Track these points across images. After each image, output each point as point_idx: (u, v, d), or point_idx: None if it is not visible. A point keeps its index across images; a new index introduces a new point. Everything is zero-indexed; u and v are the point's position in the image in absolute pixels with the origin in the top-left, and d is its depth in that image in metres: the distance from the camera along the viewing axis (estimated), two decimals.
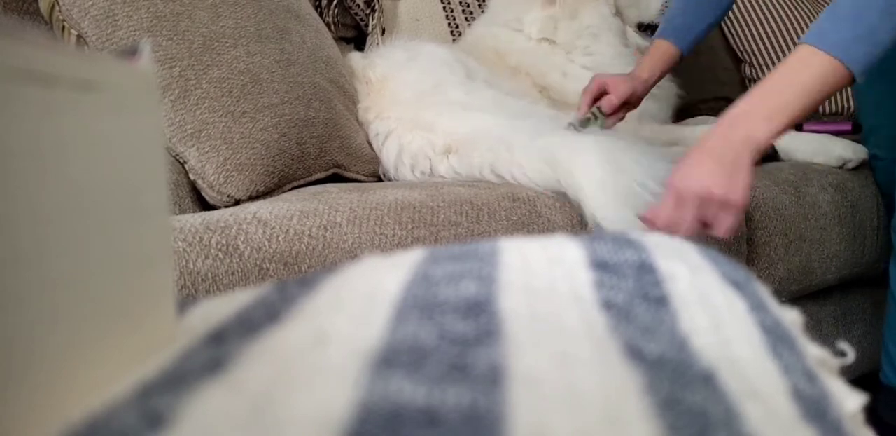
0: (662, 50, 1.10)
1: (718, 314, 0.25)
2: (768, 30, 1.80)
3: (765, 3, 1.82)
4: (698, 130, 1.24)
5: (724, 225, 0.71)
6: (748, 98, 0.74)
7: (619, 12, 1.28)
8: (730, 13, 1.82)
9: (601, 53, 1.23)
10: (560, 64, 1.22)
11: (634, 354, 0.21)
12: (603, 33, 1.23)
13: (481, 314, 0.23)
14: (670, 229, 0.72)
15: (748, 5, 1.82)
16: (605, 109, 1.06)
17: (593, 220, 0.78)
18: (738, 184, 0.70)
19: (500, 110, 0.98)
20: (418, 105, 1.01)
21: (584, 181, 0.79)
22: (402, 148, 0.98)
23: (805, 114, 0.72)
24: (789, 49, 1.77)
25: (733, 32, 1.83)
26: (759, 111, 0.72)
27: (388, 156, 0.99)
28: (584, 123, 1.05)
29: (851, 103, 1.71)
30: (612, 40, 1.23)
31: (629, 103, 1.08)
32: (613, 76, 1.08)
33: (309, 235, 0.69)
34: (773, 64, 1.78)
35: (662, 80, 1.26)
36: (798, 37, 1.79)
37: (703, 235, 0.75)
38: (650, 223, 0.74)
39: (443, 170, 0.96)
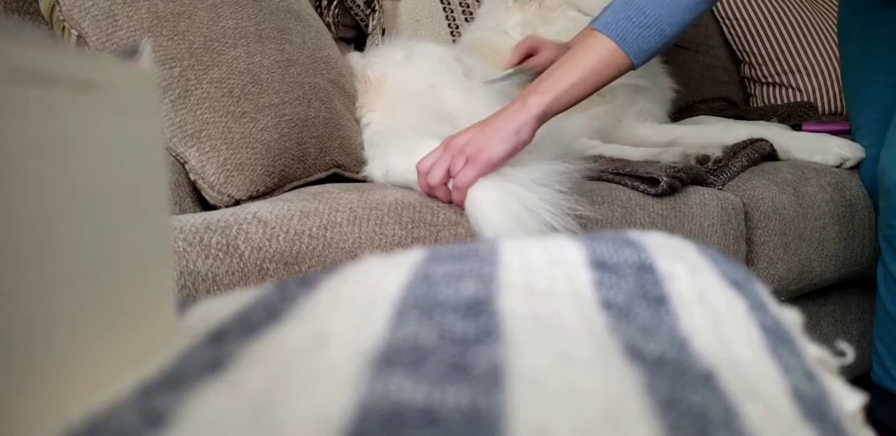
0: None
1: (718, 314, 0.25)
2: (768, 30, 1.80)
3: (764, 3, 1.82)
4: (696, 129, 1.24)
5: (463, 178, 0.75)
6: (535, 81, 0.82)
7: (588, 15, 1.28)
8: (729, 13, 1.82)
9: None
10: None
11: (634, 354, 0.21)
12: None
13: (481, 314, 0.23)
14: (425, 176, 0.78)
15: (748, 5, 1.82)
16: (529, 67, 1.10)
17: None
18: (494, 145, 0.76)
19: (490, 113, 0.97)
20: (403, 100, 1.01)
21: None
22: (371, 140, 0.96)
23: (578, 88, 0.80)
24: (789, 49, 1.78)
25: (733, 32, 1.83)
26: (538, 87, 0.80)
27: (366, 147, 0.98)
28: (505, 77, 1.09)
29: None
30: None
31: None
32: (548, 41, 1.13)
33: (309, 235, 0.69)
34: (773, 64, 1.78)
35: (658, 77, 1.26)
36: (798, 37, 1.79)
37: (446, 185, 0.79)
38: (419, 172, 0.79)
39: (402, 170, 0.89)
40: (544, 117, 0.79)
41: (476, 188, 0.76)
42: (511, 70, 1.11)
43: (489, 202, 0.75)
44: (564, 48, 1.09)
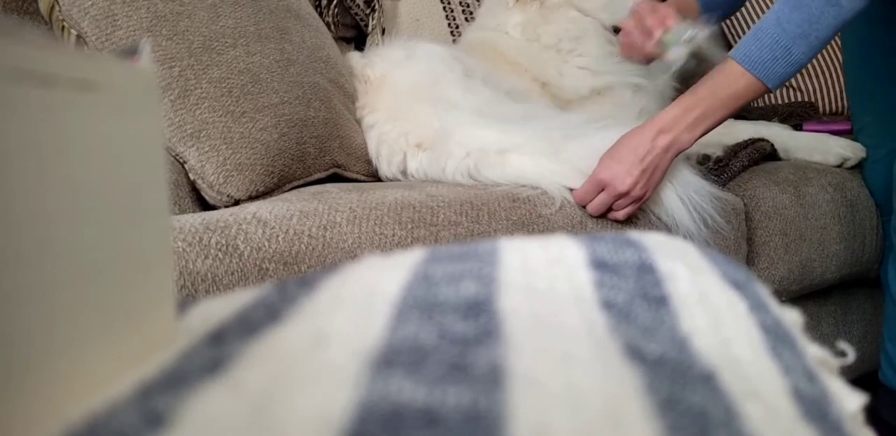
0: (684, 2, 1.11)
1: (719, 314, 0.25)
2: None
3: (764, 3, 1.82)
4: None
5: (626, 212, 0.86)
6: (675, 107, 0.86)
7: (588, 15, 1.27)
8: None
9: (589, 54, 1.22)
10: (555, 63, 1.22)
11: (634, 354, 0.21)
12: (584, 35, 1.22)
13: (481, 314, 0.23)
14: (584, 205, 0.87)
15: (748, 5, 1.82)
16: (666, 24, 1.03)
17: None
18: (652, 184, 0.85)
19: (491, 112, 0.98)
20: (408, 97, 1.01)
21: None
22: (380, 138, 0.99)
23: (723, 121, 0.86)
24: None
25: (733, 32, 1.83)
26: (684, 121, 0.85)
27: (371, 147, 1.00)
28: (687, 40, 1.00)
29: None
30: (596, 41, 1.23)
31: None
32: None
33: (309, 234, 0.69)
34: None
35: (658, 75, 1.26)
36: None
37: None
38: (577, 199, 0.88)
39: (413, 167, 0.96)
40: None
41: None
42: (682, 29, 1.00)
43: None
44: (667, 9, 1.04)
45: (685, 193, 0.88)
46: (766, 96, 1.79)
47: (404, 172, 0.98)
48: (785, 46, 0.83)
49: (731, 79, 0.85)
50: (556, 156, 0.89)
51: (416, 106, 1.00)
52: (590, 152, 0.88)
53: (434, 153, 0.94)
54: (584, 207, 0.87)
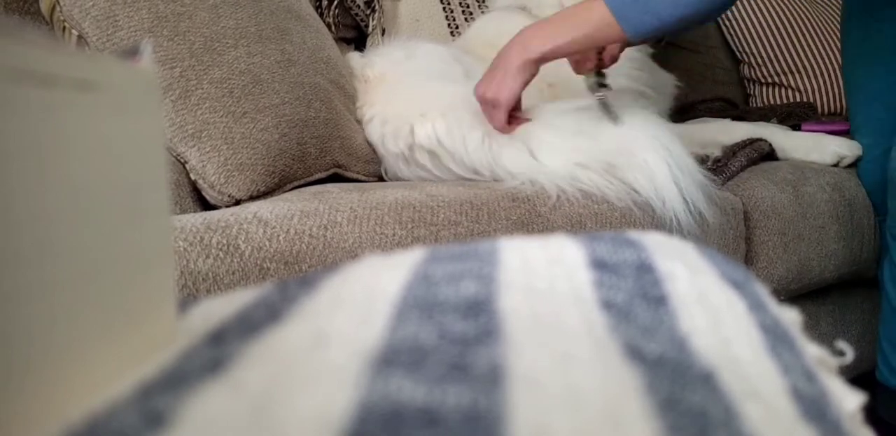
0: None
1: (718, 314, 0.25)
2: (767, 30, 1.80)
3: (764, 3, 1.82)
4: (694, 128, 1.23)
5: (493, 121, 0.89)
6: (536, 24, 0.89)
7: None
8: (729, 13, 1.82)
9: None
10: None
11: (634, 354, 0.21)
12: None
13: (481, 314, 0.23)
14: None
15: (747, 5, 1.82)
16: (607, 61, 1.04)
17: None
18: (501, 86, 0.87)
19: None
20: (407, 83, 1.01)
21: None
22: (385, 119, 0.98)
23: (574, 46, 0.87)
24: (788, 49, 1.78)
25: (732, 32, 1.83)
26: (539, 33, 0.88)
27: (374, 132, 0.99)
28: (598, 95, 1.01)
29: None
30: None
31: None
32: None
33: (309, 234, 0.69)
34: (773, 64, 1.78)
35: (660, 74, 1.26)
36: (798, 37, 1.79)
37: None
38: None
39: (423, 135, 0.94)
40: (542, 62, 0.88)
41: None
42: (594, 83, 1.02)
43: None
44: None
45: (675, 164, 0.87)
46: (765, 97, 1.79)
47: (411, 147, 0.96)
48: None
49: (590, 7, 0.86)
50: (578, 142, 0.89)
51: (418, 85, 1.00)
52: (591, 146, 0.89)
53: (452, 120, 0.93)
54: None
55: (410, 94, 0.99)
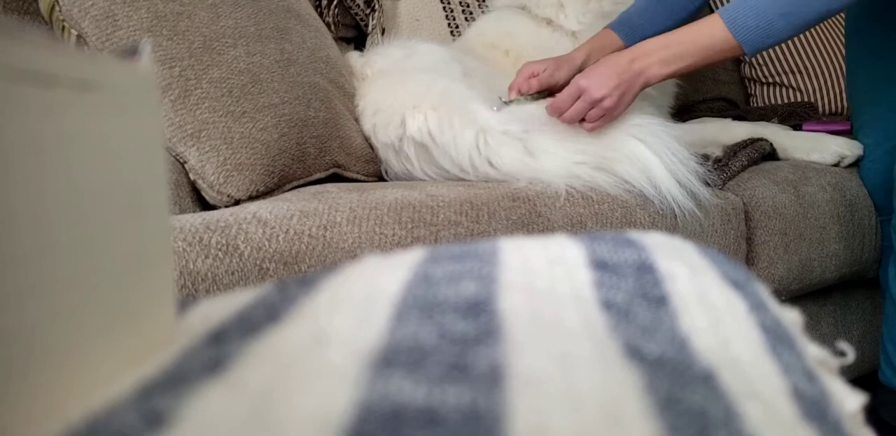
0: (608, 40, 1.12)
1: (718, 314, 0.25)
2: None
3: None
4: (694, 128, 1.23)
5: (594, 125, 0.91)
6: (653, 42, 0.91)
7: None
8: None
9: None
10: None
11: (634, 354, 0.21)
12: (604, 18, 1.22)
13: (481, 314, 0.23)
14: (560, 113, 0.91)
15: None
16: (525, 91, 1.06)
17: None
18: (623, 102, 0.90)
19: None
20: (401, 75, 1.01)
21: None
22: (377, 109, 0.98)
23: (693, 69, 0.91)
24: (789, 49, 1.77)
25: None
26: (659, 55, 0.90)
27: (366, 122, 0.99)
28: (516, 102, 1.04)
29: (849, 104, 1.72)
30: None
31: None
32: (541, 63, 1.07)
33: (309, 234, 0.69)
34: (773, 64, 1.78)
35: None
36: (798, 37, 1.79)
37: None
38: (553, 109, 0.92)
39: (414, 128, 0.93)
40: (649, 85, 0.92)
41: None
42: (521, 98, 1.05)
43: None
44: (560, 67, 1.06)
45: (663, 151, 0.89)
46: (765, 97, 1.79)
47: (401, 139, 0.95)
48: (769, 19, 0.86)
49: (712, 31, 0.88)
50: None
51: (411, 77, 0.99)
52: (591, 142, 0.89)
53: (444, 114, 0.92)
54: (560, 116, 0.90)
55: (403, 86, 0.98)
